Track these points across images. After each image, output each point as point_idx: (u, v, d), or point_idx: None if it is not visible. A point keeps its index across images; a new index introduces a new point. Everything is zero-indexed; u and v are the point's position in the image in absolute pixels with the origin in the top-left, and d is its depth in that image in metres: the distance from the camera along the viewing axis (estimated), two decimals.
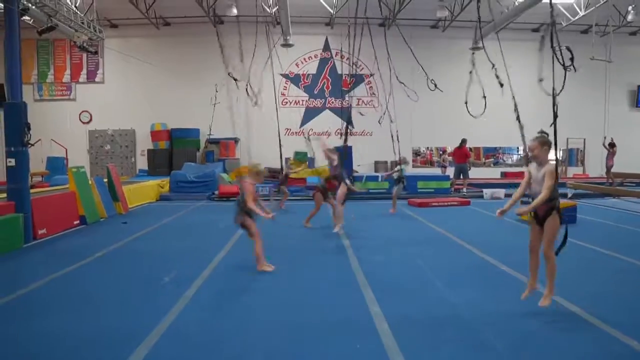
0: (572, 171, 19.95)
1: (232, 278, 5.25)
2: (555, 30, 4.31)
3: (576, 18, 16.63)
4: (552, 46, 4.28)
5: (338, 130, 15.71)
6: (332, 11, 16.77)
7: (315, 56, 19.20)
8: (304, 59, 19.16)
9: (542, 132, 4.04)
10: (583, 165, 20.20)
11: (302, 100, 19.26)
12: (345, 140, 9.13)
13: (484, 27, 9.81)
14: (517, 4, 15.15)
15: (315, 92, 19.25)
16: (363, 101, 19.14)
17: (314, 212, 8.69)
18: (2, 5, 8.51)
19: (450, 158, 17.42)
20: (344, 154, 9.18)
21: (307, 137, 9.47)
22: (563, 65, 4.37)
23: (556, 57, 4.31)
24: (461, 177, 14.27)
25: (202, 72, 18.05)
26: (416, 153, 19.78)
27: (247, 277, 5.28)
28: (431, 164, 19.84)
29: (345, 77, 16.91)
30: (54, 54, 18.66)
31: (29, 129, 7.60)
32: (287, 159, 14.56)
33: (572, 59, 4.56)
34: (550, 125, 3.92)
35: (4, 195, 7.77)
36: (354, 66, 13.60)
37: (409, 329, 3.69)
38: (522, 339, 3.54)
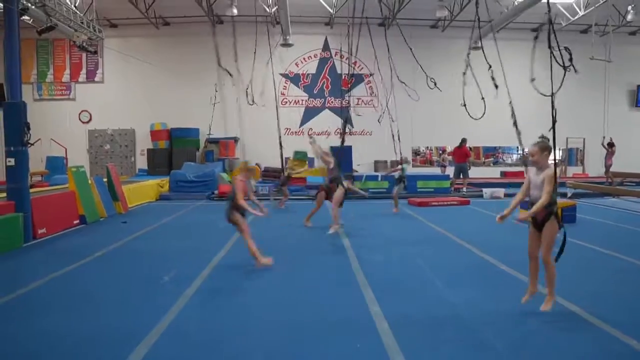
0: (572, 171, 19.95)
1: (232, 277, 5.25)
2: (553, 29, 4.30)
3: (576, 18, 16.63)
4: (549, 46, 4.27)
5: (338, 130, 15.72)
6: (331, 11, 16.77)
7: (315, 56, 19.19)
8: (304, 58, 19.15)
9: (542, 137, 4.05)
10: (583, 165, 20.20)
11: (302, 100, 19.25)
12: (342, 140, 9.10)
13: (483, 27, 9.79)
14: (516, 3, 15.15)
15: (315, 92, 19.25)
16: (363, 101, 19.14)
17: (314, 210, 8.70)
18: (2, 5, 8.51)
19: (449, 157, 17.43)
20: (341, 154, 9.14)
21: (311, 138, 9.45)
22: (563, 66, 4.37)
23: (554, 57, 4.30)
24: (461, 176, 14.27)
25: (201, 71, 18.03)
26: (416, 152, 19.78)
27: (247, 276, 5.28)
28: (431, 163, 19.84)
29: (344, 76, 16.91)
30: (54, 54, 18.64)
31: (28, 128, 7.60)
32: (286, 159, 14.56)
33: (571, 60, 4.56)
34: (549, 130, 3.92)
35: (4, 194, 7.78)
36: (353, 66, 13.60)
37: (409, 328, 3.69)
38: (521, 338, 3.54)
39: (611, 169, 15.54)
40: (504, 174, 18.71)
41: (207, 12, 16.35)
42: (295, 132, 18.85)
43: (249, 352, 3.31)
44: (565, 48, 4.55)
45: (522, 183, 4.17)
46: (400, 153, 11.56)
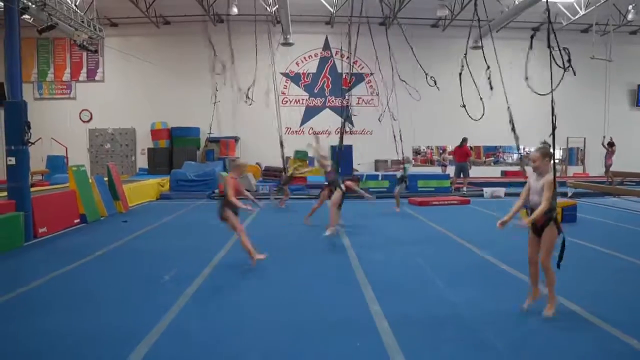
0: (572, 170, 19.95)
1: (233, 277, 5.25)
2: (553, 29, 4.29)
3: (576, 17, 16.61)
4: (548, 45, 4.25)
5: (338, 129, 15.71)
6: (332, 10, 16.76)
7: (316, 55, 19.19)
8: (304, 57, 19.14)
9: (544, 142, 4.05)
10: (583, 165, 20.20)
11: (303, 99, 19.24)
12: (341, 140, 9.03)
13: (483, 26, 9.78)
14: (517, 2, 15.14)
15: (316, 91, 19.24)
16: (363, 100, 19.14)
17: (316, 207, 8.70)
18: (2, 4, 8.51)
19: (450, 157, 17.42)
20: (340, 154, 9.11)
21: (315, 137, 9.40)
22: (563, 66, 4.37)
23: (553, 58, 4.29)
24: (461, 176, 14.27)
25: (202, 71, 18.04)
26: (416, 152, 19.77)
27: (247, 275, 5.29)
28: (431, 162, 19.84)
29: (345, 75, 16.90)
30: (54, 53, 18.64)
31: (29, 127, 7.61)
32: (287, 158, 14.55)
33: (569, 61, 4.56)
34: (549, 136, 3.92)
35: (5, 193, 7.78)
36: (354, 65, 13.59)
37: (409, 327, 3.70)
38: (522, 337, 3.54)
39: (611, 169, 15.53)
40: (504, 174, 18.70)
41: (207, 12, 16.35)
42: (296, 132, 18.86)
43: (249, 350, 3.31)
44: (564, 49, 4.54)
45: (522, 183, 4.16)
46: (402, 153, 11.55)
